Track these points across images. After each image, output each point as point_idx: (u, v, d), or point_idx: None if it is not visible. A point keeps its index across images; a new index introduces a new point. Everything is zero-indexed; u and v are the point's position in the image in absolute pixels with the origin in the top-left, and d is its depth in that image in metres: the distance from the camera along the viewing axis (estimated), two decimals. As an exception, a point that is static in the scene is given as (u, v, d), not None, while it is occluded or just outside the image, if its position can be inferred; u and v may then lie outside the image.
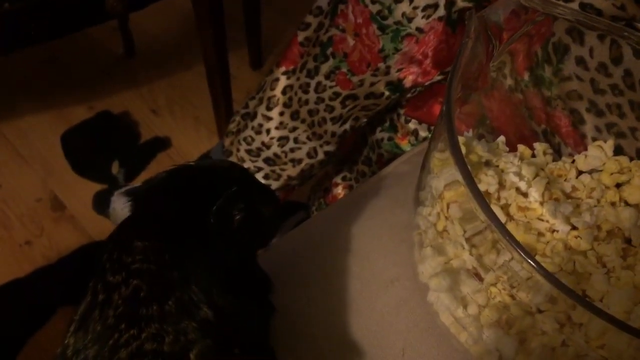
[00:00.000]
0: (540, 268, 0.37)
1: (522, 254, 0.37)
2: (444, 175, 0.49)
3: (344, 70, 0.72)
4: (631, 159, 0.57)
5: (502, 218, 0.53)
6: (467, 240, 0.47)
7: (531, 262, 0.37)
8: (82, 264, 1.09)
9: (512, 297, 0.45)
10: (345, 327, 0.55)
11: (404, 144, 0.81)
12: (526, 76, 0.62)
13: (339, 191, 0.92)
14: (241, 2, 1.36)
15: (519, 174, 0.55)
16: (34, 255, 1.11)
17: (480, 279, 0.47)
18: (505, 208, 0.55)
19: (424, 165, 0.51)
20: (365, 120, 0.78)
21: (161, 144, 1.32)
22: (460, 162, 0.39)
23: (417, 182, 0.53)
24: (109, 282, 0.43)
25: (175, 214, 0.48)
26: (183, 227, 0.47)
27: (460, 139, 0.54)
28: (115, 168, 1.23)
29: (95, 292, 0.43)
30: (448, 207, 0.49)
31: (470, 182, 0.39)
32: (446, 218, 0.48)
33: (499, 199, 0.55)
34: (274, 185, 0.86)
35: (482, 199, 0.38)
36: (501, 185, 0.55)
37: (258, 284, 0.53)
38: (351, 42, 0.70)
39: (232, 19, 1.44)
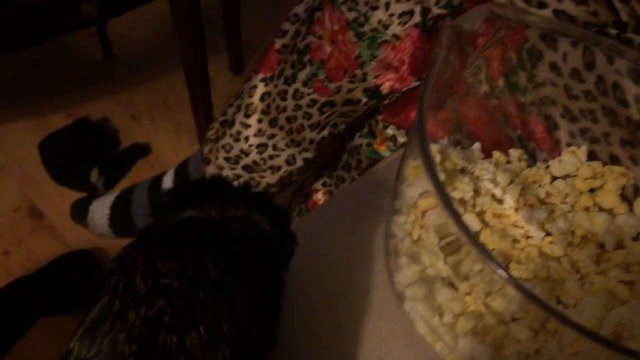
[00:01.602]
0: (510, 278, 0.37)
1: (492, 264, 0.37)
2: (418, 183, 0.49)
3: (321, 77, 0.72)
4: (605, 164, 0.57)
5: (478, 225, 0.53)
6: (442, 248, 0.47)
7: (501, 273, 0.37)
8: (62, 274, 1.08)
9: (487, 305, 0.46)
10: (323, 337, 0.54)
11: (383, 150, 0.81)
12: (501, 82, 0.62)
13: (319, 197, 0.92)
14: (220, 5, 1.35)
15: (493, 181, 0.55)
16: (12, 265, 1.10)
17: (455, 288, 0.47)
18: (480, 215, 0.55)
19: (399, 173, 0.51)
20: (343, 126, 0.78)
21: (141, 150, 1.31)
22: (432, 173, 0.39)
23: (392, 190, 0.53)
24: (134, 286, 0.38)
25: (225, 224, 0.44)
26: (228, 239, 0.43)
27: (435, 147, 0.55)
28: (94, 176, 1.22)
29: (113, 295, 0.38)
30: (423, 216, 0.49)
31: (442, 193, 0.39)
32: (421, 227, 0.48)
33: (474, 205, 0.55)
34: (253, 192, 0.86)
35: (453, 210, 0.38)
36: (477, 192, 0.56)
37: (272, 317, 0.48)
38: (328, 49, 0.70)
39: (211, 22, 1.43)
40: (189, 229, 0.44)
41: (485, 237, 0.53)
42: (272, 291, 0.49)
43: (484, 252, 0.37)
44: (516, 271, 0.51)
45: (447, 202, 0.37)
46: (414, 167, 0.50)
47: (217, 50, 1.46)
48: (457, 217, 0.37)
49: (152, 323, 0.37)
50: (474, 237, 0.37)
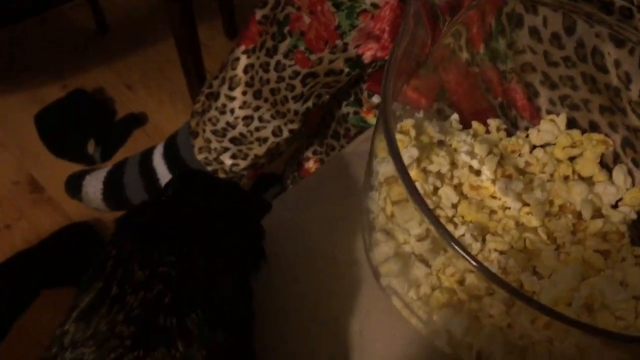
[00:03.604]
0: (473, 260, 0.37)
1: (457, 248, 0.37)
2: (389, 160, 0.49)
3: (302, 48, 0.71)
4: (584, 131, 0.57)
5: (455, 198, 0.53)
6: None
7: (468, 257, 0.37)
8: (63, 246, 1.10)
9: (459, 282, 0.46)
10: (306, 309, 0.55)
11: (370, 118, 0.80)
12: (482, 49, 0.61)
13: (310, 165, 0.92)
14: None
15: (470, 153, 0.55)
16: (13, 239, 1.11)
17: (428, 265, 0.47)
18: (458, 187, 0.55)
19: (371, 149, 0.51)
20: (327, 97, 0.78)
21: (137, 120, 1.31)
22: (397, 159, 0.39)
23: (367, 165, 0.53)
24: (132, 274, 0.39)
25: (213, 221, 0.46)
26: (219, 236, 0.45)
27: (410, 122, 0.54)
28: (91, 147, 1.22)
29: (109, 281, 0.39)
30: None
31: (408, 180, 0.38)
32: (393, 203, 0.49)
33: (452, 178, 0.55)
34: (242, 164, 0.86)
35: (417, 195, 0.38)
36: (454, 164, 0.56)
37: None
38: (307, 20, 0.69)
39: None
40: (182, 222, 0.45)
41: (462, 210, 0.53)
42: (250, 271, 0.51)
43: (451, 242, 0.36)
44: (492, 243, 0.51)
45: (411, 188, 0.37)
46: (383, 145, 0.50)
47: (211, 15, 1.44)
48: (422, 204, 0.37)
49: (151, 305, 0.38)
50: (440, 223, 0.37)
